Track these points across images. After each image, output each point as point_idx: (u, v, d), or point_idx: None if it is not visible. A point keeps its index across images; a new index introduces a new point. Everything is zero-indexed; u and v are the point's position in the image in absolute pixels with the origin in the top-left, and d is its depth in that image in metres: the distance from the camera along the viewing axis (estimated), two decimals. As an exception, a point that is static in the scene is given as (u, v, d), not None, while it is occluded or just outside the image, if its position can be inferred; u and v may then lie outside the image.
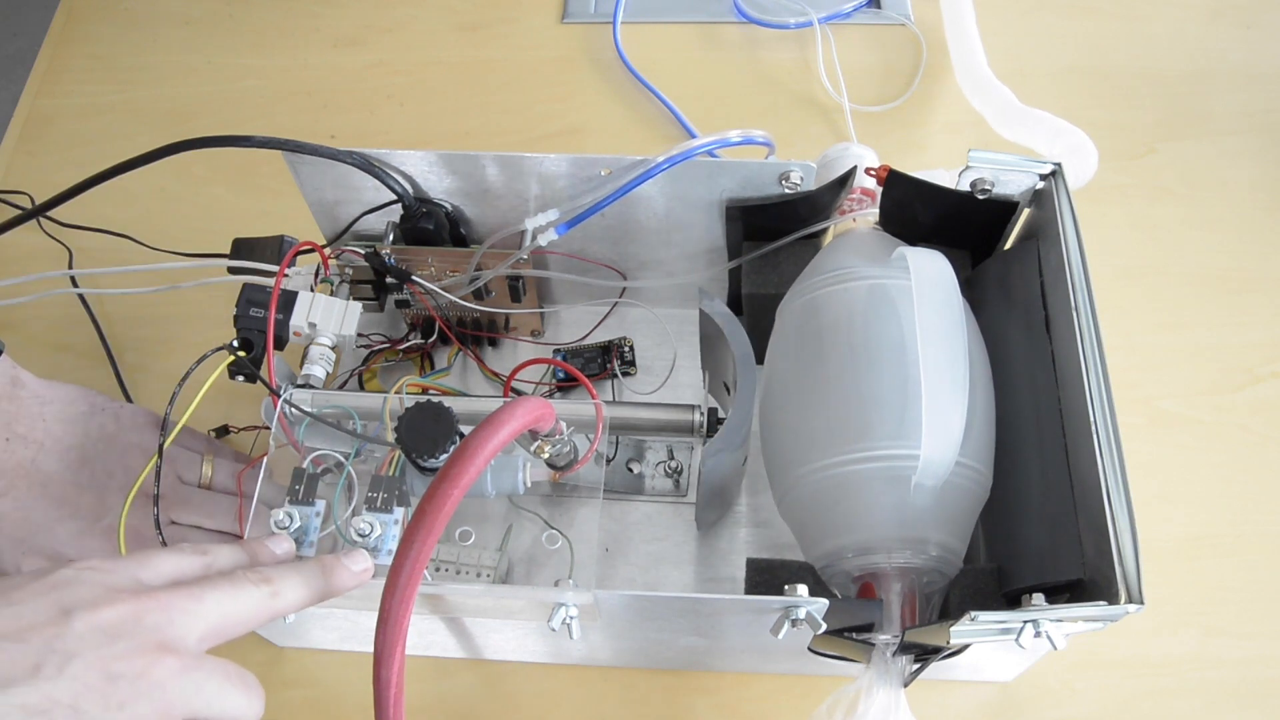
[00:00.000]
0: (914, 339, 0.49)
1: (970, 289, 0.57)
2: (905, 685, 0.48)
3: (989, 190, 0.54)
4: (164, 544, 0.52)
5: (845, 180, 0.57)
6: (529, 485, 0.52)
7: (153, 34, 0.85)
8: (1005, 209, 0.56)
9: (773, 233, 0.59)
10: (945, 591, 0.51)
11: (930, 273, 0.50)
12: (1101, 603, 0.43)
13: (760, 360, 0.55)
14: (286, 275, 0.54)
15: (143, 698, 0.35)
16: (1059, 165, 0.53)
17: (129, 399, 0.66)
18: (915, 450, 0.47)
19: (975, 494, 0.51)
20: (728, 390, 0.57)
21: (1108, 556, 0.43)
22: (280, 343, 0.54)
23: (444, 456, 0.48)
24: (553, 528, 0.59)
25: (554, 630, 0.45)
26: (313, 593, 0.42)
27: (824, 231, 0.59)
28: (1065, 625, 0.43)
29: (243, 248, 0.57)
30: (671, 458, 0.62)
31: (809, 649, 0.49)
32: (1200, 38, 0.82)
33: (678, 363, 0.65)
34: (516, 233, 0.57)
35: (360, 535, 0.48)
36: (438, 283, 0.60)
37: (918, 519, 0.49)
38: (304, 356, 0.55)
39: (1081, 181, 0.64)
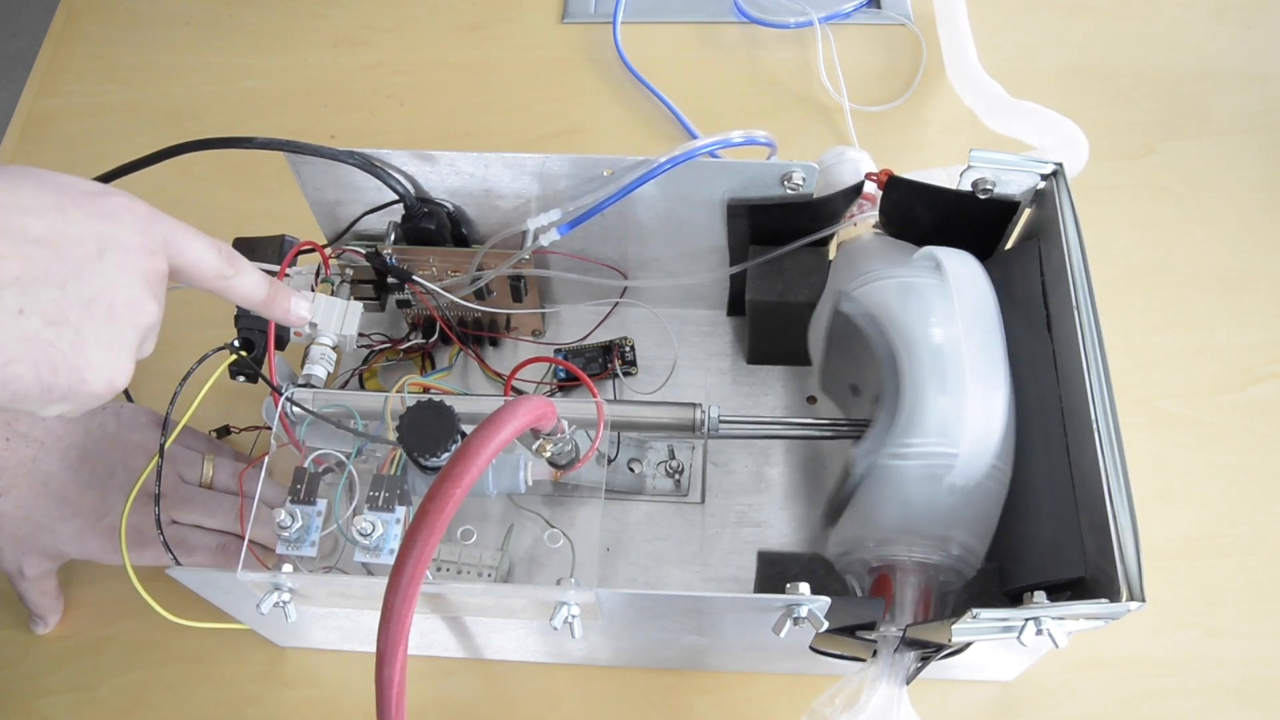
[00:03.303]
0: (944, 336, 0.49)
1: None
2: (908, 683, 0.48)
3: (990, 190, 0.54)
4: (165, 544, 0.52)
5: (859, 188, 0.57)
6: (530, 484, 0.53)
7: (153, 34, 0.85)
8: (1006, 209, 0.56)
9: (776, 235, 0.59)
10: (960, 593, 0.51)
11: (965, 274, 0.50)
12: (1103, 601, 0.43)
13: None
14: (288, 275, 0.54)
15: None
16: (1060, 165, 0.53)
17: (130, 398, 0.66)
18: (948, 447, 0.47)
19: (1000, 495, 0.51)
20: (855, 392, 0.57)
21: (1109, 555, 0.44)
22: (281, 342, 0.54)
23: (445, 456, 0.48)
24: (554, 527, 0.59)
25: (555, 629, 0.46)
26: (256, 295, 0.46)
27: (828, 238, 0.59)
28: (1067, 623, 0.43)
29: (243, 247, 0.56)
30: (673, 457, 0.62)
31: (810, 647, 0.49)
32: (1200, 38, 0.82)
33: (679, 363, 0.66)
34: (518, 233, 0.57)
35: (362, 535, 0.48)
36: (439, 283, 0.60)
37: (944, 516, 0.49)
38: (305, 356, 0.55)
39: (1073, 172, 0.64)
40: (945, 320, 0.50)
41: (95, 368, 0.37)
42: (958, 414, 0.48)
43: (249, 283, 0.45)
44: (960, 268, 0.51)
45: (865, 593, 0.51)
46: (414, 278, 0.59)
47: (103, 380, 0.37)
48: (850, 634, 0.48)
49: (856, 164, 0.59)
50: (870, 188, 0.58)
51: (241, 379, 0.54)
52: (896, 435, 0.50)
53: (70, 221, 0.36)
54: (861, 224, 0.59)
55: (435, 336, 0.64)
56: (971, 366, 0.48)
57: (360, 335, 0.57)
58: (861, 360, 0.54)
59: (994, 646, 0.49)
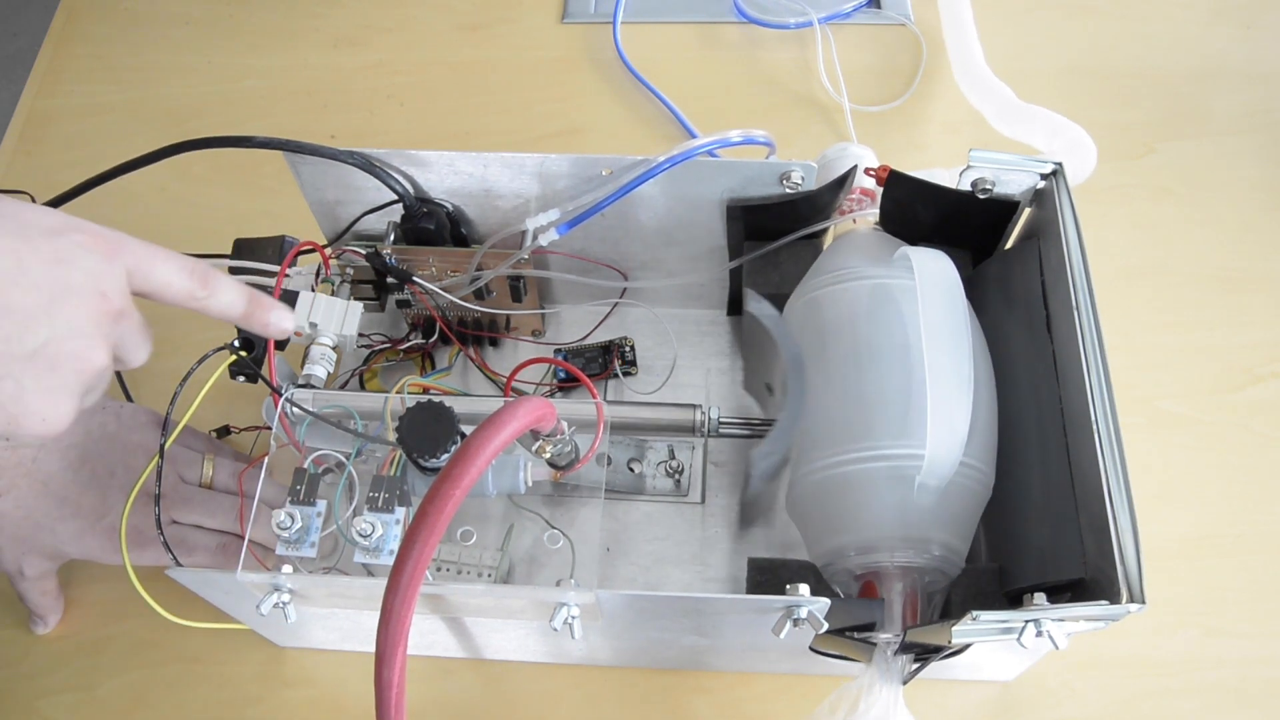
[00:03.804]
0: (917, 338, 0.49)
1: (971, 289, 0.57)
2: (904, 683, 0.48)
3: (990, 190, 0.54)
4: (165, 544, 0.52)
5: (845, 180, 0.57)
6: (530, 485, 0.53)
7: (153, 34, 0.85)
8: (1006, 208, 0.56)
9: (774, 232, 0.59)
10: (947, 591, 0.51)
11: (934, 272, 0.50)
12: (1103, 602, 0.43)
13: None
14: (288, 275, 0.54)
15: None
16: (1060, 165, 0.53)
17: (130, 398, 0.66)
18: (918, 449, 0.47)
19: (978, 494, 0.51)
20: (770, 391, 0.57)
21: (1109, 556, 0.44)
22: (281, 343, 0.54)
23: (445, 456, 0.48)
24: (554, 527, 0.59)
25: (555, 630, 0.45)
26: (233, 311, 0.45)
27: (824, 232, 0.59)
28: (1067, 625, 0.43)
29: (244, 248, 0.57)
30: (672, 457, 0.62)
31: (810, 648, 0.49)
32: (1200, 38, 0.82)
33: (678, 363, 0.66)
34: (517, 233, 0.57)
35: (362, 535, 0.48)
36: (438, 283, 0.60)
37: (921, 518, 0.49)
38: (305, 356, 0.55)
39: (1080, 178, 0.65)
40: (910, 321, 0.51)
41: (33, 414, 0.38)
42: (920, 414, 0.48)
43: (225, 300, 0.44)
44: (929, 266, 0.51)
45: (853, 601, 0.51)
46: (414, 278, 0.59)
47: (40, 425, 0.38)
48: (849, 635, 0.48)
49: (860, 160, 0.59)
50: (872, 184, 0.58)
51: (241, 379, 0.54)
52: (855, 439, 0.50)
53: (25, 271, 0.37)
54: (861, 220, 0.59)
55: (435, 336, 0.64)
56: (933, 366, 0.48)
57: (360, 335, 0.57)
58: (770, 360, 0.54)
59: (994, 647, 0.49)
